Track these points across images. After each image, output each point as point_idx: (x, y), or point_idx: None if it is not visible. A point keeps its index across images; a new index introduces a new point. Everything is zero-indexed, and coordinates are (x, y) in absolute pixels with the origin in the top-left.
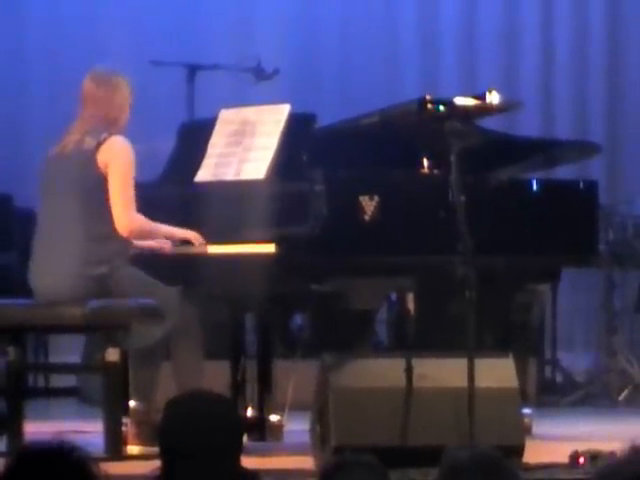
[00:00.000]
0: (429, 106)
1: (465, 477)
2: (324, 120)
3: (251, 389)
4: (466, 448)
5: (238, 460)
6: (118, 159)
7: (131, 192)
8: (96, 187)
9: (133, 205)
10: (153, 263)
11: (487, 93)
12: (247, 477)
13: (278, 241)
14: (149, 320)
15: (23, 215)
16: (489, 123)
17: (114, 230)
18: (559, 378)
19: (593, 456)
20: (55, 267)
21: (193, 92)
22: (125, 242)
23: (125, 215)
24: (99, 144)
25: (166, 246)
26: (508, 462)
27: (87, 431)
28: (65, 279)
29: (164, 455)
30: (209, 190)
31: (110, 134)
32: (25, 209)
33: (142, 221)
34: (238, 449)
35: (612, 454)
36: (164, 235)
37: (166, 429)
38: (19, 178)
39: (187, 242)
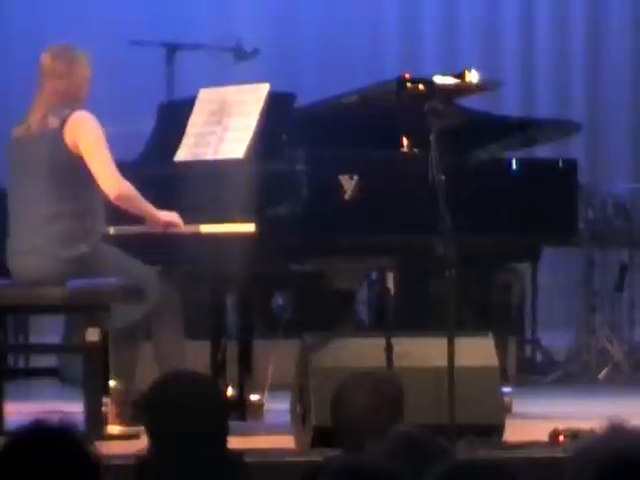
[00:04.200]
0: (408, 85)
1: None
2: (304, 100)
3: (231, 369)
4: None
5: (224, 441)
6: (85, 132)
7: (110, 157)
8: (65, 166)
9: (115, 169)
10: (133, 242)
11: (466, 72)
12: (232, 458)
13: (258, 220)
14: (129, 300)
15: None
16: (470, 102)
17: (86, 207)
18: (539, 357)
19: (573, 434)
20: (30, 249)
21: (173, 72)
22: (99, 217)
23: (111, 179)
24: (63, 122)
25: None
26: (437, 440)
27: (67, 411)
28: (41, 261)
29: (150, 436)
30: (188, 169)
31: (72, 110)
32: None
33: (129, 185)
34: (224, 430)
35: (592, 432)
36: (148, 211)
37: (152, 411)
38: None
39: (168, 225)
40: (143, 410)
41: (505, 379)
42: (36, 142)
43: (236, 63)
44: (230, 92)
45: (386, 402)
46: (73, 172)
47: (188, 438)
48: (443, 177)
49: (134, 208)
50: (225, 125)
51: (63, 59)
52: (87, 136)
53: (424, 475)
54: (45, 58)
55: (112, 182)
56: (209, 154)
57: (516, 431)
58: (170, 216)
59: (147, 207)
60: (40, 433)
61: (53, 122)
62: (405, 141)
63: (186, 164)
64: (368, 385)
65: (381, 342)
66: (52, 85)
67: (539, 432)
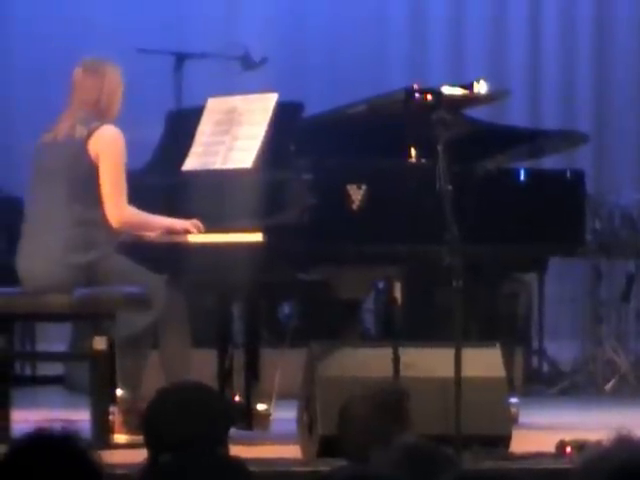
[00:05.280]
0: (416, 95)
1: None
2: (312, 109)
3: (238, 378)
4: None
5: (225, 450)
6: (109, 149)
7: (122, 183)
8: (87, 176)
9: (124, 196)
10: (140, 251)
11: (475, 83)
12: (234, 466)
13: (266, 230)
14: (136, 308)
15: (9, 203)
16: (477, 113)
17: (101, 217)
18: (546, 367)
19: (579, 446)
20: (42, 254)
21: (181, 81)
22: (112, 229)
23: (116, 207)
24: (90, 133)
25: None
26: (442, 451)
27: (74, 419)
28: (52, 266)
29: (149, 446)
30: (196, 179)
31: (101, 123)
32: (11, 197)
33: (133, 213)
34: (224, 440)
35: (598, 443)
36: (161, 227)
37: (152, 420)
38: (4, 167)
39: (187, 233)
40: (143, 423)
41: (511, 389)
42: (61, 149)
43: (244, 72)
44: (238, 101)
45: (390, 412)
46: (92, 182)
47: (187, 448)
48: (450, 187)
49: (140, 232)
50: (233, 134)
51: (94, 71)
52: (108, 156)
53: None
54: (77, 71)
55: (116, 213)
56: (217, 163)
57: (522, 442)
58: (190, 224)
59: (159, 225)
60: (42, 441)
61: (81, 132)
62: (413, 151)
63: (194, 173)
64: (372, 396)
65: (388, 352)
66: (81, 97)
67: (545, 443)
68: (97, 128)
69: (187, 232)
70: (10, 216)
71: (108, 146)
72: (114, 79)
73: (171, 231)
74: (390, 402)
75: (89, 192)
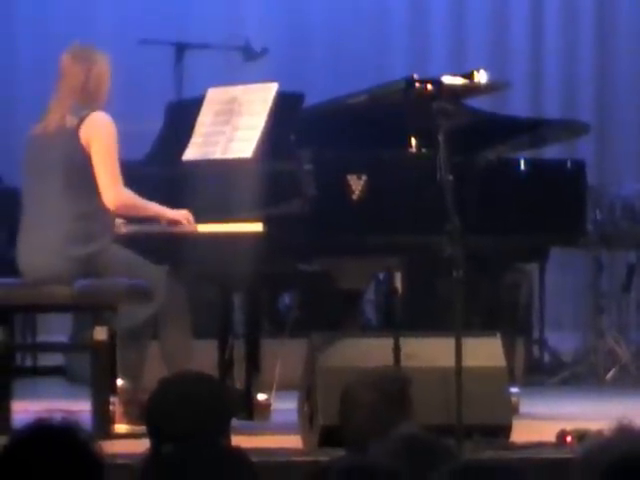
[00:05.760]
0: (417, 85)
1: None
2: (312, 99)
3: (239, 368)
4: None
5: (227, 440)
6: (100, 135)
7: (116, 166)
8: (81, 166)
9: (119, 179)
10: (141, 242)
11: (475, 72)
12: (235, 457)
13: (266, 220)
14: (137, 300)
15: (10, 194)
16: (478, 103)
17: (99, 208)
18: (546, 358)
19: (580, 435)
20: (41, 246)
21: (181, 71)
22: (110, 219)
23: (112, 189)
24: (80, 121)
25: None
26: (441, 442)
27: (75, 410)
28: (51, 259)
29: (152, 437)
30: (196, 169)
31: (91, 110)
32: (12, 188)
33: (129, 195)
34: (226, 430)
35: (599, 433)
36: (153, 214)
37: (154, 411)
38: (5, 157)
39: (176, 223)
40: (145, 412)
41: (512, 379)
42: (53, 141)
43: (245, 63)
44: (238, 91)
45: (393, 400)
46: (87, 172)
47: (188, 439)
48: (451, 177)
49: (137, 215)
50: (234, 124)
51: (81, 58)
52: (99, 141)
53: (428, 476)
54: (65, 58)
55: (112, 194)
56: (217, 153)
57: (523, 432)
58: (180, 214)
59: (152, 210)
60: (43, 432)
61: (71, 122)
62: (413, 141)
63: (194, 163)
64: (374, 383)
65: (389, 342)
66: (70, 85)
67: (546, 433)
68: (87, 115)
69: (176, 222)
70: (11, 207)
71: (98, 131)
72: (101, 65)
73: (161, 219)
74: (392, 389)
75: (85, 183)
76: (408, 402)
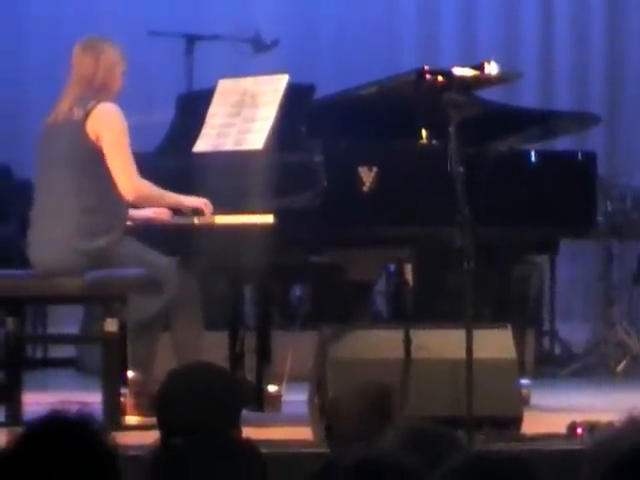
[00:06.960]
0: (427, 76)
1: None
2: (323, 91)
3: (250, 360)
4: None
5: (237, 432)
6: (109, 126)
7: (129, 156)
8: (88, 159)
9: (134, 169)
10: (152, 234)
11: (486, 64)
12: (245, 448)
13: (277, 212)
14: (147, 291)
15: (21, 186)
16: (488, 94)
17: (108, 201)
18: (557, 349)
19: (591, 427)
20: (50, 240)
21: (192, 63)
22: (122, 213)
23: (128, 180)
24: (87, 114)
25: (163, 216)
26: (448, 433)
27: (85, 401)
28: (60, 253)
29: (162, 428)
30: (207, 161)
31: (97, 102)
32: (23, 180)
33: (147, 185)
34: (236, 422)
35: (610, 425)
36: (172, 203)
37: (164, 402)
38: (17, 149)
39: (197, 210)
40: (155, 405)
41: (523, 371)
42: (61, 133)
43: (255, 54)
44: (249, 83)
45: (375, 409)
46: (95, 164)
47: (199, 430)
48: (462, 169)
49: (155, 205)
50: (244, 116)
51: (90, 48)
52: (109, 132)
53: (436, 468)
54: (75, 49)
55: (129, 185)
56: (228, 145)
57: (534, 423)
58: (199, 201)
59: (170, 199)
60: (57, 423)
61: (78, 113)
62: (424, 133)
63: (205, 155)
64: (357, 393)
65: (399, 334)
66: (79, 75)
67: (557, 424)
68: (93, 107)
69: (196, 210)
70: (23, 199)
71: (107, 122)
72: (111, 56)
73: (180, 207)
74: (377, 399)
75: (93, 175)
76: (394, 411)
